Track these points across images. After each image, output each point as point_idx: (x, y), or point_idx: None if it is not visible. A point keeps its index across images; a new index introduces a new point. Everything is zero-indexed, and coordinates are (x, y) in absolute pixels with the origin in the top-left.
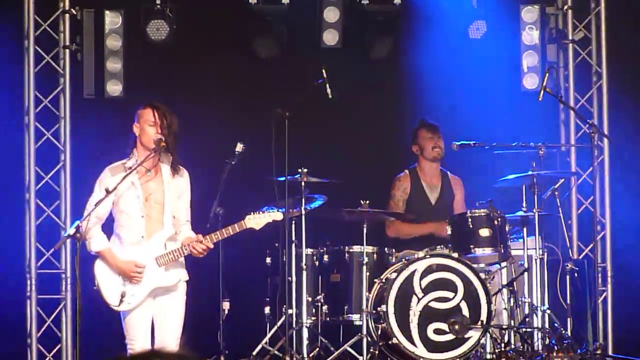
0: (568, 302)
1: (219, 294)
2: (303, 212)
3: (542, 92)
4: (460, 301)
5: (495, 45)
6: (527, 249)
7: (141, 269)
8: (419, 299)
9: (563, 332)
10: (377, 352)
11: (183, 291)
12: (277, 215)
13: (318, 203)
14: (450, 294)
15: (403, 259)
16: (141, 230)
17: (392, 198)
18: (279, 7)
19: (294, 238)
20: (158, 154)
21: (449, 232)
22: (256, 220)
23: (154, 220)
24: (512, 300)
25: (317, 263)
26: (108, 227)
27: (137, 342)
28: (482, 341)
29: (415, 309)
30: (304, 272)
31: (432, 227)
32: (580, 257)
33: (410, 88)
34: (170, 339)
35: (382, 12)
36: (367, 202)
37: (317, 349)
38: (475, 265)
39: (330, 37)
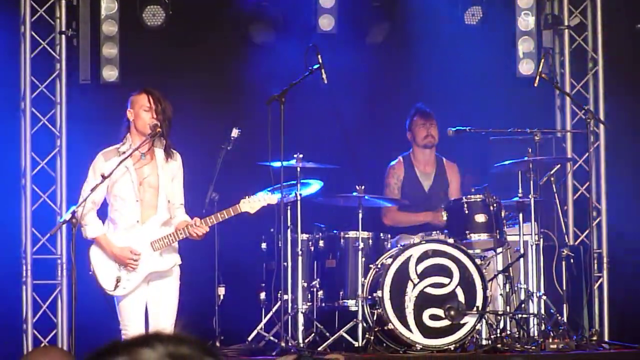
0: (564, 288)
1: (214, 280)
2: (299, 197)
3: (537, 77)
4: (456, 287)
5: (491, 31)
6: (523, 234)
7: (137, 256)
8: (415, 285)
9: (559, 318)
10: (372, 337)
11: (177, 276)
12: (271, 198)
13: (315, 188)
14: (446, 280)
15: (399, 245)
16: (136, 214)
17: (387, 186)
18: None
19: (289, 223)
20: (153, 139)
21: (445, 218)
22: (251, 204)
23: (149, 205)
24: (507, 286)
25: (312, 248)
26: (102, 211)
27: (131, 327)
28: (477, 327)
29: (411, 295)
30: (300, 258)
31: (428, 216)
32: (576, 243)
33: (406, 74)
34: (165, 324)
35: None
36: (363, 187)
37: (313, 334)
38: (470, 251)
39: (326, 23)
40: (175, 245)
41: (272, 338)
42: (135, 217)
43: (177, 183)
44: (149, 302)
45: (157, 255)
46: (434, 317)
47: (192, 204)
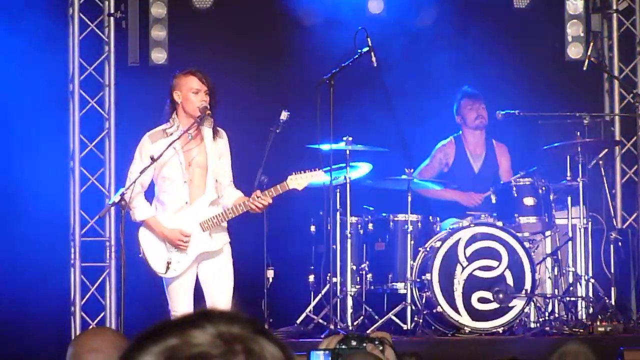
0: (612, 271)
1: (263, 263)
2: (348, 180)
3: (586, 61)
4: (505, 270)
5: (539, 14)
6: (572, 218)
7: (187, 237)
8: (464, 268)
9: (607, 301)
10: (421, 320)
11: (228, 253)
12: (319, 174)
13: (365, 170)
14: (494, 263)
15: (448, 228)
16: (185, 195)
17: (431, 157)
18: None
19: (338, 206)
20: (202, 121)
21: (494, 201)
22: (298, 181)
23: (197, 185)
24: (556, 269)
25: (361, 231)
26: (149, 193)
27: (181, 308)
28: (526, 310)
29: (460, 278)
30: (349, 241)
31: (456, 195)
32: (624, 227)
33: (454, 57)
34: (222, 302)
35: None
36: (412, 170)
37: (362, 317)
38: (519, 234)
39: (375, 6)
40: (225, 225)
41: (321, 321)
42: (184, 199)
43: (224, 161)
44: (203, 283)
45: (207, 236)
46: (482, 300)
47: (241, 187)
